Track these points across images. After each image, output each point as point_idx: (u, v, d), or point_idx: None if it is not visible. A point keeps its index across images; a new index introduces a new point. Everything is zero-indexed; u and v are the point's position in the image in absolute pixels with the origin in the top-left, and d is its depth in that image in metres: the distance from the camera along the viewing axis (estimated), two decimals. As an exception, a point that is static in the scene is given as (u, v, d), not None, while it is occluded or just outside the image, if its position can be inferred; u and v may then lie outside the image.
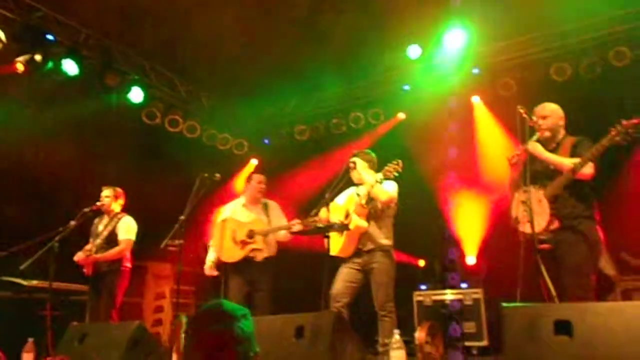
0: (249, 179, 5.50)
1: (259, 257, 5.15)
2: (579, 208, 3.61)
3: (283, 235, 5.28)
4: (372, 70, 7.50)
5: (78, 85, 6.69)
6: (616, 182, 5.72)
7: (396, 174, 4.32)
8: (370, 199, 4.44)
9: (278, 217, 5.40)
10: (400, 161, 4.29)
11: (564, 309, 2.77)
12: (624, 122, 3.34)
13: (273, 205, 5.52)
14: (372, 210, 4.48)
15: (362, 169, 4.57)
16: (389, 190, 4.45)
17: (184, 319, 3.76)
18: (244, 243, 5.15)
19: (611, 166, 4.67)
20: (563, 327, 2.56)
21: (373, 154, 4.76)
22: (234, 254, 5.14)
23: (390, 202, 4.49)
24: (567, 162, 3.60)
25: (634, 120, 3.32)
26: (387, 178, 4.31)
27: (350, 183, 4.70)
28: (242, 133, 8.67)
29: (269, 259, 5.21)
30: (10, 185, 6.58)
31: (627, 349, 2.40)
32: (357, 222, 4.41)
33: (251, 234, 5.16)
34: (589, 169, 3.53)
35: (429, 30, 6.65)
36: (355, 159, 4.61)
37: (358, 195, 4.55)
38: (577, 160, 3.53)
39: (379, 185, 4.34)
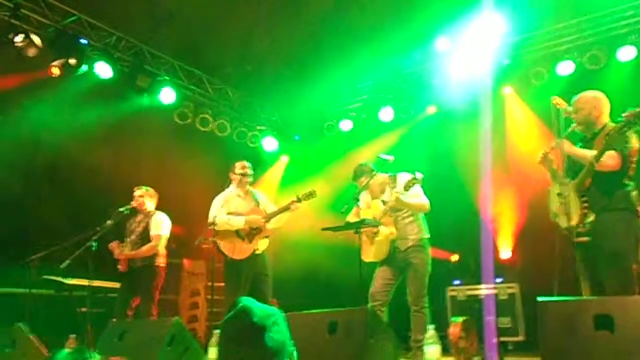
0: (233, 168, 5.23)
1: (262, 248, 5.05)
2: (611, 200, 3.48)
3: (275, 221, 5.09)
4: (401, 64, 7.44)
5: (111, 87, 6.82)
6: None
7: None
8: (395, 209, 4.46)
9: (268, 203, 5.23)
10: (420, 175, 4.25)
11: (604, 303, 2.68)
12: (627, 112, 3.25)
13: (259, 193, 5.34)
14: (398, 217, 4.53)
15: (375, 185, 4.62)
16: (419, 201, 4.48)
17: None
18: (250, 236, 5.03)
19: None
20: (604, 321, 2.49)
21: (367, 164, 4.71)
22: (245, 249, 4.99)
23: (424, 209, 4.54)
24: (589, 154, 3.49)
25: (635, 110, 3.22)
26: (407, 189, 4.28)
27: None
28: (272, 130, 8.72)
29: (265, 250, 5.11)
30: (46, 187, 6.79)
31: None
32: (385, 231, 4.47)
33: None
34: (610, 160, 3.39)
35: (458, 22, 6.56)
36: (362, 179, 4.62)
37: (383, 202, 4.56)
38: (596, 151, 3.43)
39: (404, 196, 4.33)
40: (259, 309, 1.68)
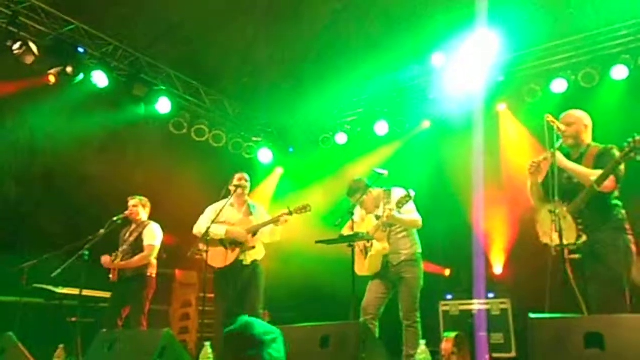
0: (232, 179, 5.25)
1: (248, 259, 5.06)
2: (605, 220, 3.54)
3: (269, 235, 5.14)
4: (397, 78, 7.49)
5: (107, 96, 6.83)
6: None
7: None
8: (388, 224, 4.47)
9: (263, 216, 5.24)
10: (412, 194, 4.26)
11: (594, 321, 2.69)
12: (637, 138, 3.27)
13: (258, 206, 5.40)
14: (391, 232, 4.54)
15: (370, 203, 4.63)
16: (412, 217, 4.51)
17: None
18: (233, 245, 5.04)
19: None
20: (594, 340, 2.50)
21: (361, 179, 4.71)
22: (227, 258, 5.01)
23: (416, 225, 4.58)
24: (590, 175, 3.53)
25: None
26: (399, 207, 4.30)
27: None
28: (267, 142, 8.74)
29: (257, 262, 5.13)
30: (41, 195, 6.76)
31: (662, 363, 2.34)
32: (378, 247, 4.48)
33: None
34: (610, 182, 3.45)
35: (454, 39, 6.62)
36: (357, 196, 4.60)
37: (377, 217, 4.58)
38: (599, 172, 3.46)
39: (397, 213, 4.34)
40: (260, 325, 1.72)
